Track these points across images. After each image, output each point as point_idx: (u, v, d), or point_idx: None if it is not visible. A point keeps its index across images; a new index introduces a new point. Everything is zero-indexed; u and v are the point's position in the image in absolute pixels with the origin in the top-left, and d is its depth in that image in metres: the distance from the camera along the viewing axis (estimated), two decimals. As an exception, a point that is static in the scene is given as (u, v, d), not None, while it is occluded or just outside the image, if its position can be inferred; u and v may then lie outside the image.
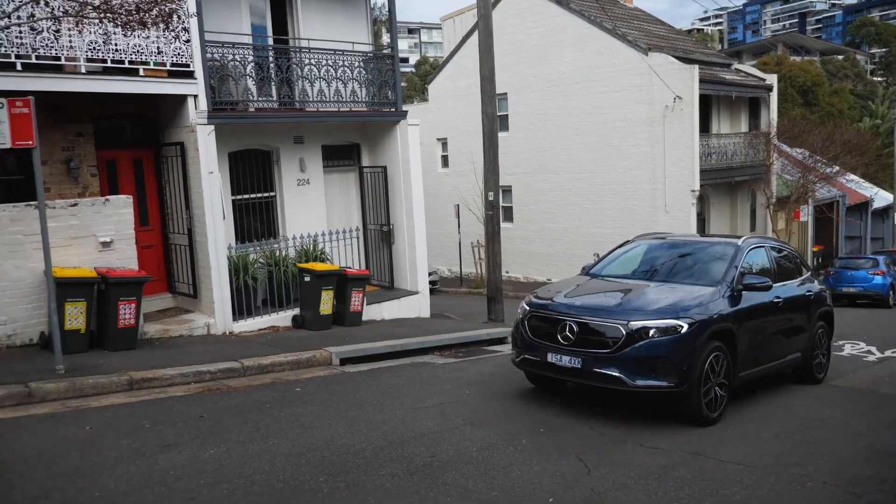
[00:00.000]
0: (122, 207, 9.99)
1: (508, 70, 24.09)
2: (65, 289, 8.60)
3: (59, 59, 9.61)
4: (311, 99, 12.71)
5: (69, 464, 5.37)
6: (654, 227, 21.43)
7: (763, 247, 8.51)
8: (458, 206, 26.38)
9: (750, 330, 7.38)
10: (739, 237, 8.40)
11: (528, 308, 7.55)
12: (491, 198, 14.28)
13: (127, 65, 10.19)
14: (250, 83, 11.94)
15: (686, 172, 21.80)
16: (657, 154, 22.34)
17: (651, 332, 6.54)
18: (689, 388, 6.56)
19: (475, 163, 21.20)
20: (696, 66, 21.81)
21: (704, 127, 23.33)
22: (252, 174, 12.94)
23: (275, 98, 12.52)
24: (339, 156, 14.59)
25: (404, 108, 14.63)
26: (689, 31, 72.99)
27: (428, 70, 58.98)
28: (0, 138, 7.55)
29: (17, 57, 9.17)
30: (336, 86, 12.99)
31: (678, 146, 21.80)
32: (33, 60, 9.32)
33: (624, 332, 6.57)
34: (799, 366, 8.67)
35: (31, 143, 7.57)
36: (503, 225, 17.40)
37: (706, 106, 23.59)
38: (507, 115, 25.86)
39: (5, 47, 9.04)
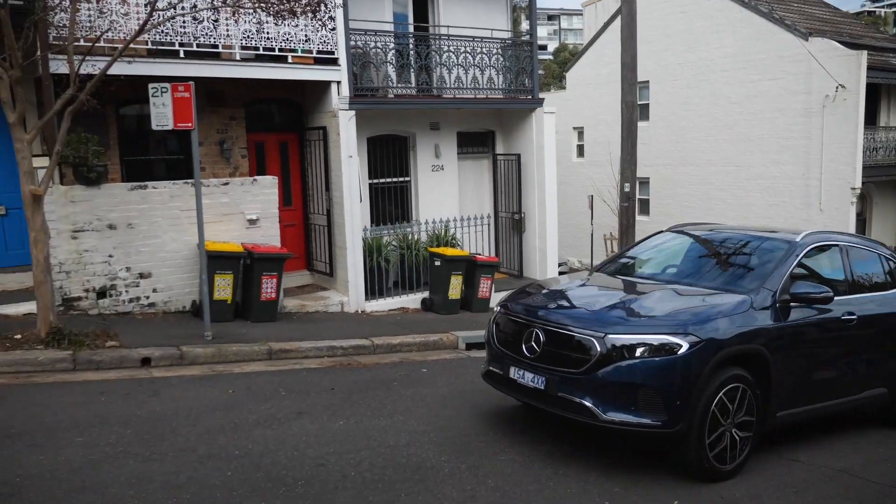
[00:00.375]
0: (268, 187, 10.57)
1: (651, 57, 23.19)
2: (215, 261, 9.24)
3: (216, 46, 10.30)
4: (448, 86, 12.86)
5: (213, 422, 5.77)
6: (807, 226, 19.95)
7: (836, 245, 6.44)
8: (591, 196, 25.81)
9: (798, 355, 5.59)
10: (800, 232, 6.34)
11: (499, 307, 6.11)
12: (627, 189, 13.84)
13: (277, 52, 10.76)
14: (390, 70, 12.25)
15: (846, 168, 20.06)
16: (813, 148, 20.72)
17: (636, 349, 4.89)
18: (686, 429, 4.90)
19: (612, 153, 20.61)
20: (864, 52, 19.95)
21: (870, 119, 21.35)
22: (388, 159, 13.29)
23: (413, 84, 12.78)
24: (474, 143, 14.67)
25: (541, 95, 14.48)
26: (858, 14, 66.91)
27: (566, 57, 57.98)
28: (163, 120, 8.19)
29: (181, 45, 9.92)
30: (473, 73, 13.05)
31: (838, 140, 20.09)
32: (194, 48, 10.05)
33: (599, 348, 4.95)
34: (884, 404, 6.57)
35: (190, 125, 8.16)
36: (638, 218, 16.81)
37: (874, 96, 21.55)
38: (647, 104, 24.92)
39: (170, 36, 9.80)
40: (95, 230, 9.16)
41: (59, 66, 8.41)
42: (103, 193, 9.22)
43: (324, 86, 11.55)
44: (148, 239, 9.54)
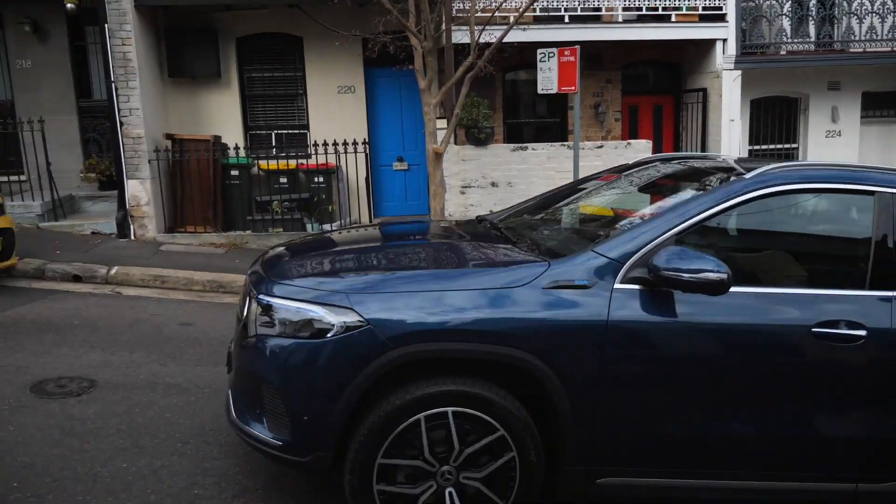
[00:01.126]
0: (641, 151, 10.34)
1: None
2: (588, 225, 9.38)
3: (598, 10, 10.31)
4: (856, 38, 11.13)
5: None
6: None
7: (869, 191, 3.10)
8: None
9: (661, 384, 2.93)
10: (763, 165, 3.24)
11: None
12: None
13: (660, 11, 10.38)
14: (785, 23, 11.01)
15: None
16: None
17: (275, 320, 3.00)
18: (326, 463, 2.91)
19: None
20: None
21: None
22: (773, 123, 12.08)
23: (811, 38, 11.32)
24: (884, 104, 12.52)
25: (984, 44, 11.70)
26: None
27: None
28: (548, 84, 8.48)
29: (566, 10, 10.14)
30: (893, 20, 11.06)
31: None
32: (578, 13, 10.19)
33: (250, 307, 3.16)
34: None
35: (573, 88, 8.31)
36: None
37: None
38: None
39: (556, 2, 10.07)
40: (480, 187, 9.96)
41: (459, 36, 9.22)
42: (489, 153, 9.96)
43: (707, 45, 10.84)
44: (524, 198, 10.02)
